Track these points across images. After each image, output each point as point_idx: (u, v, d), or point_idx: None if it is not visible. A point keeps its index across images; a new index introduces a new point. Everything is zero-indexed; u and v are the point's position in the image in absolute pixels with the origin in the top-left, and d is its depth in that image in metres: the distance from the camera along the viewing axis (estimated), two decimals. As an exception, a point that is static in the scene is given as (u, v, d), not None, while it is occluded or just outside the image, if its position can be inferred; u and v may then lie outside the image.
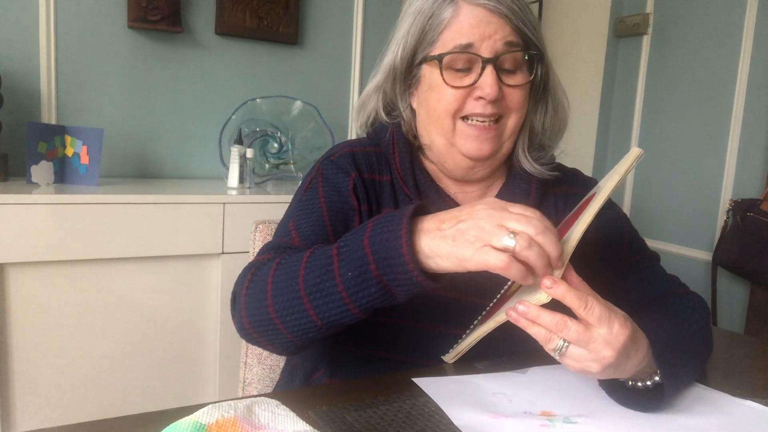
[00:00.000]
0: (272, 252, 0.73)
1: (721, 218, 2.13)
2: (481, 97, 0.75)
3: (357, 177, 0.79)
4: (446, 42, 0.75)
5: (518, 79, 0.77)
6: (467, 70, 0.76)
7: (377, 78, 0.85)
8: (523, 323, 0.59)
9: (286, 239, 0.75)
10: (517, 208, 0.57)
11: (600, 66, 2.58)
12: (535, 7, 2.79)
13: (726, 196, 2.14)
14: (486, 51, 0.74)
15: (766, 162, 2.04)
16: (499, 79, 0.75)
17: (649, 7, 2.43)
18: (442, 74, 0.75)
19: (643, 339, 0.62)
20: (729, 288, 2.14)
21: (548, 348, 0.59)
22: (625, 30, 2.51)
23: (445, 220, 0.58)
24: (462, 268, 0.56)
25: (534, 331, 0.59)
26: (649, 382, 0.63)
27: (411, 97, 0.84)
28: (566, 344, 0.58)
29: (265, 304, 0.65)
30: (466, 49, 0.74)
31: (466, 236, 0.55)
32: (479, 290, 0.76)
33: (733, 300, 2.13)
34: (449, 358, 0.76)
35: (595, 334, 0.57)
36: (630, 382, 0.64)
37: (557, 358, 0.60)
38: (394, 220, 0.59)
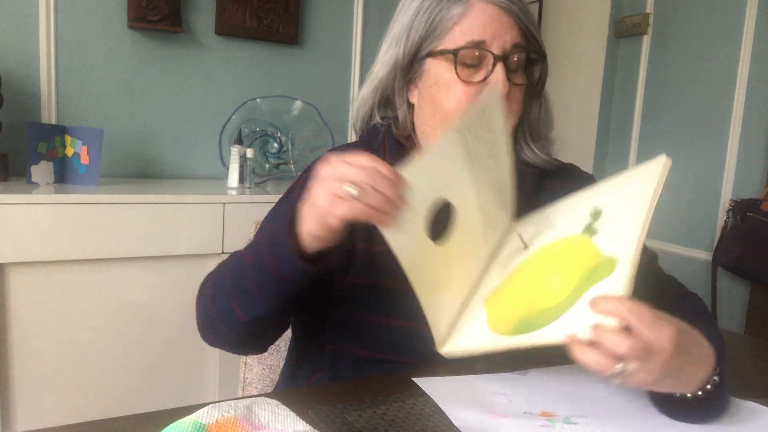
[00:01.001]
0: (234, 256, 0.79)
1: (721, 218, 2.13)
2: None
3: None
4: (456, 38, 0.75)
5: (520, 78, 0.78)
6: (476, 66, 0.76)
7: (376, 73, 0.85)
8: (575, 351, 0.56)
9: (249, 242, 0.79)
10: (353, 159, 0.59)
11: (600, 66, 2.58)
12: (535, 7, 2.79)
13: (726, 196, 2.14)
14: (497, 49, 0.75)
15: (766, 162, 2.04)
16: (508, 78, 0.75)
17: (649, 7, 2.43)
18: (456, 69, 0.75)
19: (696, 334, 0.60)
20: (729, 288, 2.14)
21: (607, 374, 0.55)
22: (625, 30, 2.51)
23: (304, 201, 0.63)
24: (325, 225, 0.60)
25: (583, 360, 0.55)
26: (700, 392, 0.60)
27: (409, 92, 0.83)
28: (627, 365, 0.54)
29: (209, 312, 0.74)
30: (479, 45, 0.75)
31: (317, 195, 0.60)
32: None
33: (733, 300, 2.13)
34: (445, 350, 0.71)
35: (654, 345, 0.54)
36: (677, 394, 0.61)
37: (616, 382, 0.56)
38: (280, 223, 0.65)
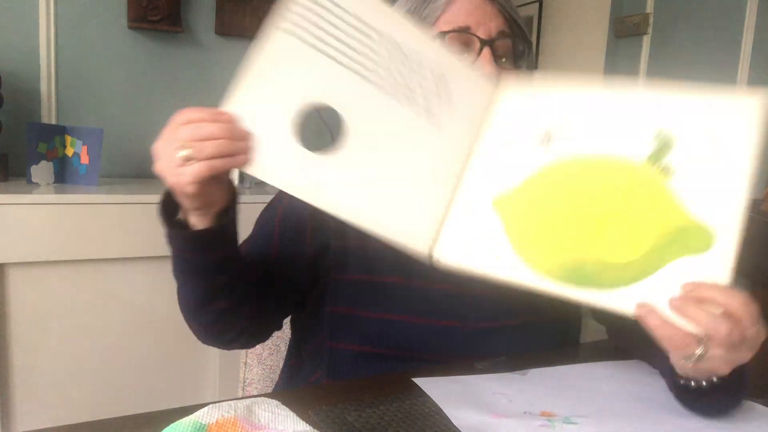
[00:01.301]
0: None
1: (721, 218, 2.13)
2: None
3: None
4: (442, 27, 0.76)
5: (508, 66, 0.79)
6: (462, 52, 0.76)
7: None
8: (652, 322, 0.52)
9: None
10: (170, 122, 0.60)
11: (600, 66, 2.57)
12: (535, 6, 2.79)
13: (726, 196, 2.14)
14: (482, 34, 0.76)
15: (767, 162, 2.04)
16: (495, 63, 0.76)
17: (649, 7, 2.43)
18: None
19: None
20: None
21: (680, 354, 0.53)
22: (625, 30, 2.51)
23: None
24: (184, 195, 0.60)
25: (665, 333, 0.52)
26: (714, 379, 0.58)
27: None
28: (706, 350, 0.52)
29: (179, 307, 0.77)
30: (465, 30, 0.75)
31: (161, 173, 0.59)
32: (472, 281, 0.77)
33: (733, 300, 2.13)
34: (440, 253, 0.62)
35: (746, 341, 0.52)
36: (693, 383, 0.59)
37: (686, 365, 0.53)
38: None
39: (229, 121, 0.58)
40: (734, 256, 0.53)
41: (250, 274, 0.73)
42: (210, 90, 2.10)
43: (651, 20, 2.43)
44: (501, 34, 0.77)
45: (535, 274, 0.58)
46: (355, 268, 0.77)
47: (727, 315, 0.51)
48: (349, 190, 0.59)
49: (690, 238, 0.54)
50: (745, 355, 0.54)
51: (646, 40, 2.46)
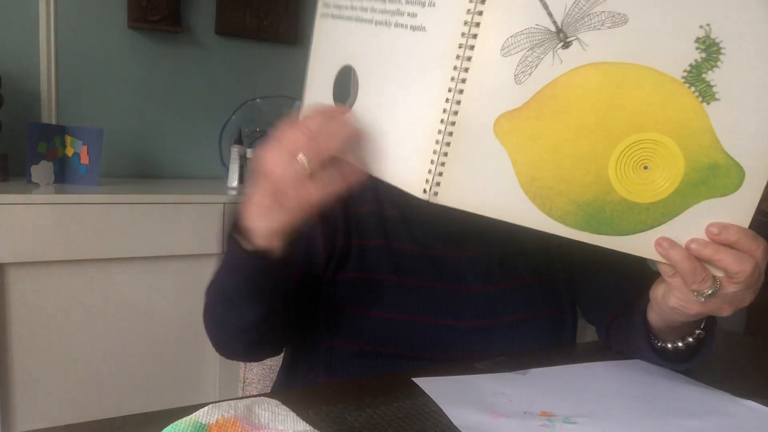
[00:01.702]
0: None
1: (721, 218, 2.13)
2: None
3: None
4: None
5: None
6: None
7: None
8: (676, 255, 0.52)
9: None
10: (284, 131, 0.55)
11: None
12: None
13: (726, 196, 2.14)
14: None
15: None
16: None
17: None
18: None
19: None
20: (729, 288, 2.14)
21: (694, 287, 0.54)
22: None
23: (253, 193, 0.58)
24: (295, 218, 0.56)
25: (688, 267, 0.52)
26: (680, 343, 0.67)
27: None
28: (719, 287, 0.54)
29: (213, 329, 0.72)
30: None
31: (275, 191, 0.55)
32: (464, 278, 0.77)
33: (733, 300, 2.13)
34: (445, 196, 0.51)
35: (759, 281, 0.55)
36: (660, 344, 0.69)
37: (695, 302, 0.55)
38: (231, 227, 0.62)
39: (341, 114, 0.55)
40: (758, 199, 0.50)
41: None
42: (210, 90, 2.10)
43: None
44: None
45: (549, 219, 0.51)
46: (351, 266, 0.77)
47: (750, 256, 0.52)
48: (363, 141, 0.55)
49: (720, 178, 0.49)
50: (750, 298, 0.56)
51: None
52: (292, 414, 0.50)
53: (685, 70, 0.47)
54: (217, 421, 0.46)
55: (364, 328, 0.76)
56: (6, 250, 1.45)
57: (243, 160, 1.90)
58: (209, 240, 1.69)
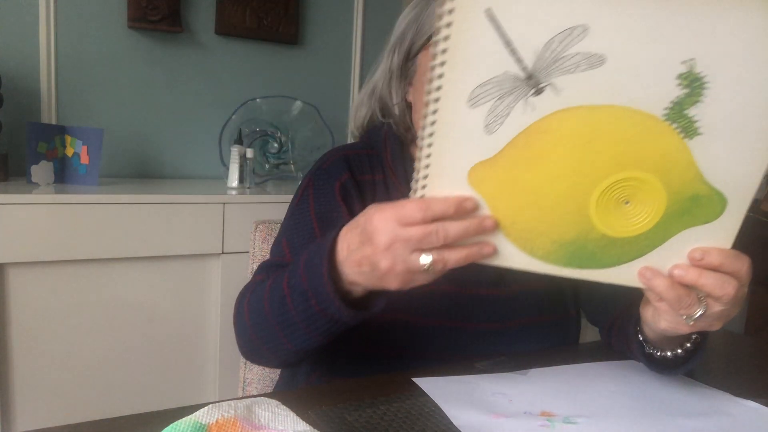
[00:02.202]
0: (265, 272, 0.76)
1: (721, 218, 2.13)
2: None
3: (349, 178, 0.79)
4: None
5: None
6: None
7: (374, 82, 0.86)
8: (660, 285, 0.52)
9: (280, 258, 0.78)
10: (404, 215, 0.50)
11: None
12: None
13: (726, 196, 2.14)
14: None
15: (767, 162, 2.04)
16: None
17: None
18: None
19: None
20: (729, 288, 2.14)
21: (682, 313, 0.54)
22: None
23: (352, 248, 0.56)
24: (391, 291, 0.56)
25: (673, 295, 0.53)
26: (679, 350, 0.66)
27: (406, 93, 0.84)
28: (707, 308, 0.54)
29: (249, 335, 0.69)
30: None
31: (380, 268, 0.53)
32: (473, 282, 0.77)
33: (733, 300, 2.13)
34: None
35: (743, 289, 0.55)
36: (660, 353, 0.68)
37: (686, 325, 0.55)
38: (318, 251, 0.59)
39: (476, 209, 0.50)
40: (740, 224, 0.50)
41: None
42: (210, 90, 2.10)
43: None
44: None
45: (533, 260, 0.52)
46: None
47: (732, 276, 0.53)
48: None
49: (703, 207, 0.49)
50: (735, 311, 0.57)
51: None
52: (292, 414, 0.50)
53: (666, 108, 0.46)
54: (217, 421, 0.46)
55: (369, 330, 0.76)
56: (6, 250, 1.45)
57: (243, 159, 1.90)
58: (209, 240, 1.69)
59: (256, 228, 1.02)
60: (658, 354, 0.68)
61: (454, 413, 0.59)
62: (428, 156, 0.49)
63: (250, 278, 1.00)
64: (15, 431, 1.52)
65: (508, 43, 0.44)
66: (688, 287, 0.53)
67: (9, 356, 1.50)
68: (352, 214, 0.78)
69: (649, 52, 0.44)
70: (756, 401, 0.66)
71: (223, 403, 0.49)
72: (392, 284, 0.54)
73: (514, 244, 0.52)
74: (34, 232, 1.47)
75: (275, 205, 1.76)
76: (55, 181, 1.70)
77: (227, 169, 1.92)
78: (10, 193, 1.46)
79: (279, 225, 0.86)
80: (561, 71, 0.45)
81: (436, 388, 0.65)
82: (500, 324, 0.78)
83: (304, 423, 0.49)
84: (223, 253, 1.71)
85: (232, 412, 0.48)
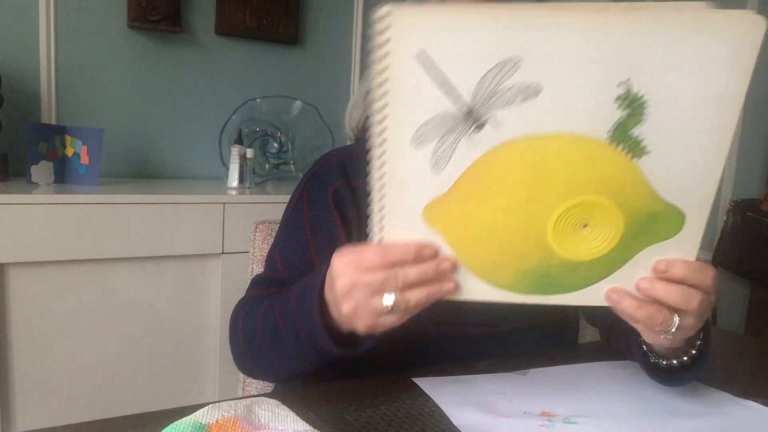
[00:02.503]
0: (259, 287, 0.77)
1: (721, 218, 2.13)
2: None
3: (343, 185, 0.79)
4: None
5: None
6: None
7: (368, 83, 0.85)
8: (629, 306, 0.53)
9: (273, 273, 0.78)
10: (369, 261, 0.51)
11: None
12: (535, 7, 2.79)
13: (726, 197, 2.14)
14: None
15: (766, 162, 2.04)
16: None
17: (649, 7, 2.43)
18: None
19: None
20: (729, 288, 2.14)
21: (658, 329, 0.53)
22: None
23: (331, 290, 0.55)
24: (370, 332, 0.55)
25: (643, 314, 0.52)
26: (685, 358, 0.64)
27: None
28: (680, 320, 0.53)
29: (243, 354, 0.71)
30: None
31: (343, 313, 0.54)
32: None
33: (733, 300, 2.13)
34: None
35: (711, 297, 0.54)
36: (665, 362, 0.65)
37: (665, 339, 0.55)
38: (310, 284, 0.60)
39: (435, 254, 0.51)
40: (702, 235, 0.50)
41: None
42: (210, 90, 2.10)
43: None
44: None
45: (498, 290, 0.53)
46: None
47: (697, 287, 0.53)
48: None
49: (661, 224, 0.49)
50: (707, 316, 0.57)
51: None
52: (292, 414, 0.50)
53: (609, 130, 0.46)
54: (217, 421, 0.46)
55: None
56: (6, 250, 1.45)
57: (243, 159, 1.90)
58: (209, 240, 1.69)
59: (256, 228, 1.02)
60: (664, 363, 0.66)
61: (454, 413, 0.59)
62: (381, 199, 0.50)
63: (249, 277, 1.00)
64: (15, 431, 1.52)
65: (443, 83, 0.45)
66: (658, 303, 0.53)
67: (9, 356, 1.50)
68: (346, 221, 0.78)
69: (583, 77, 0.44)
70: (756, 401, 0.66)
71: (223, 403, 0.49)
72: (359, 327, 0.54)
73: (478, 277, 0.52)
74: (34, 232, 1.47)
75: (275, 205, 1.76)
76: (55, 181, 1.70)
77: (227, 169, 1.92)
78: (10, 193, 1.46)
79: (279, 225, 0.85)
80: (499, 105, 0.45)
81: (436, 388, 0.65)
82: (497, 328, 0.78)
83: (304, 423, 0.49)
84: (223, 253, 1.71)
85: (232, 412, 0.48)
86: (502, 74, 0.44)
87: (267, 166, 2.08)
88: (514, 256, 0.51)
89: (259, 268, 0.99)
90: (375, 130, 0.47)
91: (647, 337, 0.57)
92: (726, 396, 0.68)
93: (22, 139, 1.69)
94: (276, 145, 2.08)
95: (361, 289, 0.51)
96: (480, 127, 0.46)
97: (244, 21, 2.10)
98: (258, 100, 2.09)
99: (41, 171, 1.67)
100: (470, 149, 0.47)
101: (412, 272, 0.51)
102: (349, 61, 2.35)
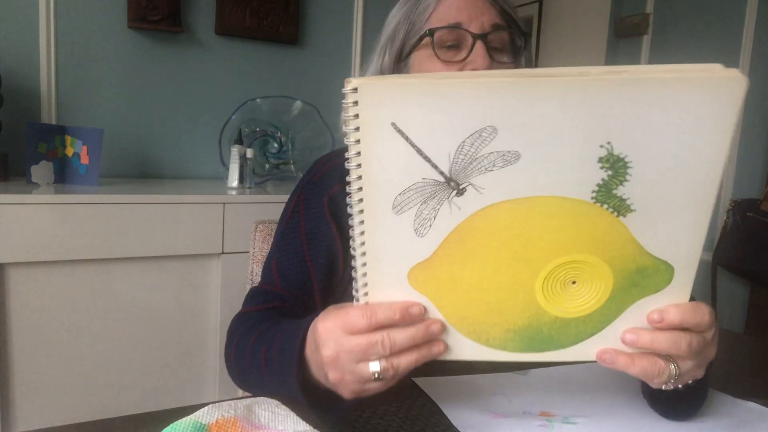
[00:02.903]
0: (256, 301, 0.75)
1: (721, 218, 2.13)
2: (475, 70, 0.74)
3: (339, 190, 0.78)
4: (433, 23, 0.75)
5: (506, 58, 0.77)
6: (456, 47, 0.75)
7: None
8: (623, 365, 0.51)
9: (270, 285, 0.77)
10: (354, 324, 0.50)
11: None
12: (535, 7, 2.79)
13: (726, 197, 2.14)
14: (475, 28, 0.74)
15: (766, 162, 2.04)
16: (489, 56, 0.74)
17: (649, 7, 2.43)
18: (434, 51, 0.74)
19: None
20: (729, 288, 2.14)
21: (656, 381, 0.52)
22: (625, 30, 2.51)
23: (311, 349, 0.54)
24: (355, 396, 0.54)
25: (638, 370, 0.51)
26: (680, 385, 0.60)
27: None
28: (678, 367, 0.51)
29: (236, 375, 0.70)
30: (456, 26, 0.74)
31: (329, 380, 0.53)
32: None
33: (733, 300, 2.13)
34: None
35: (708, 340, 0.52)
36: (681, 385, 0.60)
37: (669, 387, 0.52)
38: (291, 340, 0.58)
39: (422, 313, 0.50)
40: (692, 283, 0.50)
41: None
42: (210, 90, 2.10)
43: (651, 20, 2.43)
44: (495, 27, 0.74)
45: (489, 350, 0.52)
46: (349, 278, 0.77)
47: (683, 328, 0.50)
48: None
49: (650, 278, 0.49)
50: (712, 352, 0.54)
51: (646, 40, 2.46)
52: (292, 414, 0.50)
53: (593, 191, 0.45)
54: (217, 421, 0.46)
55: None
56: (6, 250, 1.45)
57: (243, 159, 1.90)
58: (209, 240, 1.69)
59: (256, 228, 1.02)
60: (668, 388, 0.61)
61: (454, 413, 0.59)
62: (364, 264, 0.49)
63: (249, 277, 1.00)
64: (15, 431, 1.52)
65: (419, 152, 0.45)
66: (650, 355, 0.51)
67: (9, 356, 1.50)
68: (341, 227, 0.77)
69: (564, 142, 0.43)
70: (756, 401, 0.66)
71: (223, 403, 0.49)
72: (344, 393, 0.53)
73: (468, 338, 0.52)
74: (34, 232, 1.47)
75: (275, 205, 1.76)
76: (55, 181, 1.70)
77: (227, 169, 1.92)
78: (10, 193, 1.46)
79: (275, 232, 0.85)
80: (478, 171, 0.45)
81: (436, 388, 0.65)
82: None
83: (304, 423, 0.49)
84: (223, 253, 1.71)
85: (232, 412, 0.48)
86: (479, 143, 0.44)
87: (267, 166, 2.08)
88: (504, 315, 0.51)
89: (258, 268, 0.99)
90: (353, 197, 0.47)
91: (653, 386, 0.55)
92: (726, 396, 0.68)
93: (22, 139, 1.69)
94: (276, 145, 2.08)
95: (346, 354, 0.50)
96: (460, 192, 0.46)
97: (244, 21, 2.10)
98: (258, 100, 2.09)
99: (41, 171, 1.67)
100: (453, 213, 0.47)
101: (401, 337, 0.49)
102: (349, 62, 2.35)
